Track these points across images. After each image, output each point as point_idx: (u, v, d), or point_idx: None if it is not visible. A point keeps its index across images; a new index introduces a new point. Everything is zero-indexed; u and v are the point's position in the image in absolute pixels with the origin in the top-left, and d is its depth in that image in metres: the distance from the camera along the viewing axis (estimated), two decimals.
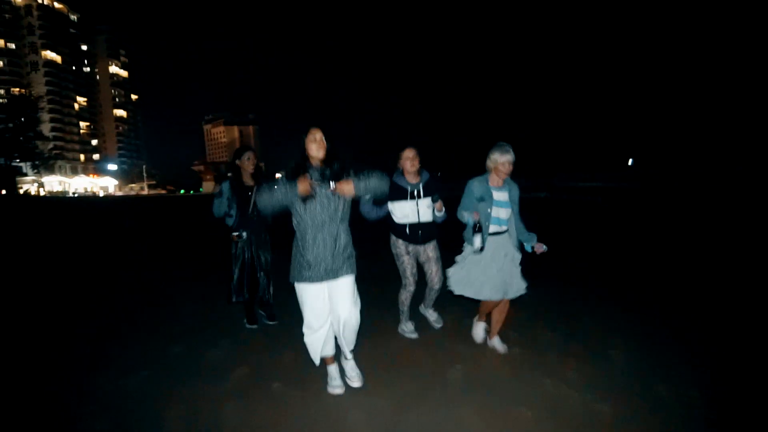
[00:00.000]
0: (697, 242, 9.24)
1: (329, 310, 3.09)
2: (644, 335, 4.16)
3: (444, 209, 3.89)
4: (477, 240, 3.43)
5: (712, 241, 9.34)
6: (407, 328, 4.25)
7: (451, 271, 3.76)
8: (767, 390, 3.14)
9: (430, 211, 3.88)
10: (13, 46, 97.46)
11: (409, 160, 3.83)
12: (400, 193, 3.84)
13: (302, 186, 2.83)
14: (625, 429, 2.73)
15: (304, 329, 3.11)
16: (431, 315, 4.39)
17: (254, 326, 4.53)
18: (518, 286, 3.66)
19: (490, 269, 3.57)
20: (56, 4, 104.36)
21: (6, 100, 75.89)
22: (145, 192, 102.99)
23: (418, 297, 4.32)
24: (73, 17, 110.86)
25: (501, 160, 3.50)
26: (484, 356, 3.76)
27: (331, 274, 3.00)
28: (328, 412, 2.97)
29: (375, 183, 2.95)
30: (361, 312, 3.18)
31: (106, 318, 4.94)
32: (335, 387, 3.21)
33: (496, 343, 3.84)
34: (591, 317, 4.71)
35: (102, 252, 9.99)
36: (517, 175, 3.66)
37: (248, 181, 4.33)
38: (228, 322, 4.69)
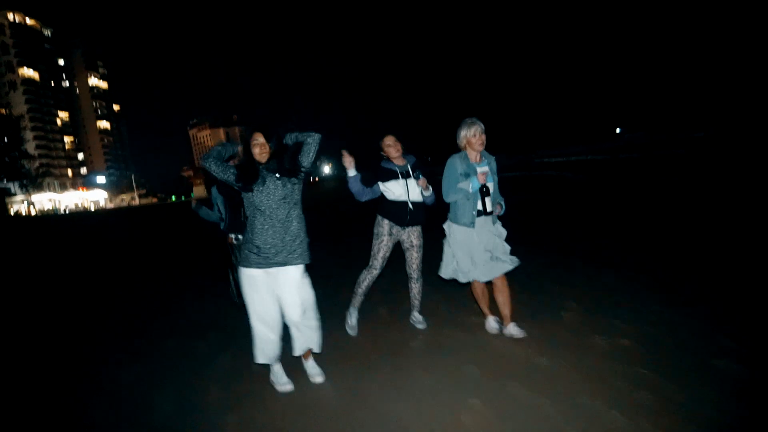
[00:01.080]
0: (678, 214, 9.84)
1: (274, 300, 3.05)
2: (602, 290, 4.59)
3: (431, 189, 3.88)
4: (488, 202, 3.47)
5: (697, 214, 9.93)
6: (350, 321, 4.17)
7: (447, 261, 3.82)
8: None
9: (419, 190, 3.90)
10: None
11: (391, 146, 3.88)
12: (390, 174, 3.88)
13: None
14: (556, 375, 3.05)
15: (253, 321, 3.05)
16: (415, 316, 4.23)
17: None
18: (510, 259, 3.61)
19: (478, 249, 3.56)
20: (28, 21, 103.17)
21: None
22: (136, 202, 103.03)
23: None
24: (47, 32, 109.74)
25: (470, 133, 3.52)
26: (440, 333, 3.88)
27: (281, 261, 2.97)
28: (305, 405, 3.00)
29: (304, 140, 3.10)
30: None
31: (106, 319, 5.58)
32: (284, 384, 3.18)
33: (512, 330, 3.66)
34: (551, 279, 5.08)
35: (97, 263, 10.61)
36: (495, 152, 3.69)
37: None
38: (220, 321, 4.91)
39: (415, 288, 4.12)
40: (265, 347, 3.09)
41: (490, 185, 3.55)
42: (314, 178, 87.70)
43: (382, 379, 3.26)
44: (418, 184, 3.85)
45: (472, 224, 3.56)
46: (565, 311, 4.17)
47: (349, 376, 3.31)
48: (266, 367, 3.32)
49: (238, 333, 4.20)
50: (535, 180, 22.18)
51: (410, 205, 3.87)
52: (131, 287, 7.53)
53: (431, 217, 4.08)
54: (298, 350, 3.20)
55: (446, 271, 3.85)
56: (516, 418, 2.61)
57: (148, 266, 9.84)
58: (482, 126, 3.53)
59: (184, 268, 9.03)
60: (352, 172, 3.85)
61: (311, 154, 3.10)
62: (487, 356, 3.45)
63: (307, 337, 3.16)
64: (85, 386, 3.73)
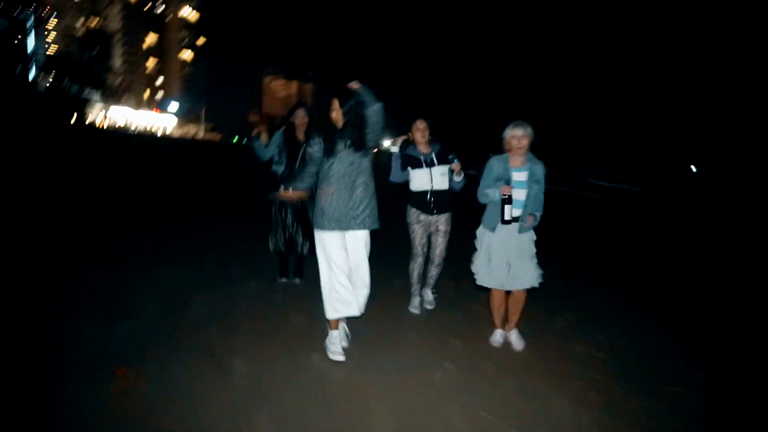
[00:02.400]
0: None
1: (345, 262, 3.15)
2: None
3: (462, 175, 3.91)
4: (507, 211, 3.33)
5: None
6: (414, 302, 4.26)
7: (474, 258, 3.68)
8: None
9: (445, 179, 3.94)
10: None
11: (419, 131, 3.94)
12: (414, 162, 3.94)
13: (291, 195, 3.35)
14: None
15: (324, 276, 3.17)
16: (427, 295, 4.33)
17: (283, 280, 4.72)
18: (529, 278, 3.49)
19: (499, 256, 3.47)
20: None
21: (83, 32, 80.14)
22: (201, 135, 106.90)
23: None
24: None
25: (511, 133, 3.39)
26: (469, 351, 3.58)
27: (343, 225, 3.07)
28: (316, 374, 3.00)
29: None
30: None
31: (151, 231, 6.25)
32: (335, 354, 3.15)
33: (514, 339, 3.62)
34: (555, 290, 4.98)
35: (147, 188, 11.50)
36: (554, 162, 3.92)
37: (300, 137, 4.45)
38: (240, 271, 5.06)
39: (434, 271, 4.20)
40: (336, 301, 3.13)
41: (521, 192, 3.40)
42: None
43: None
44: (444, 173, 3.92)
45: (493, 230, 3.49)
46: (560, 319, 4.40)
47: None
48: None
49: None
50: (576, 198, 21.72)
51: (431, 195, 3.93)
52: (167, 222, 8.19)
53: (465, 206, 4.17)
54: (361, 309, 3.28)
55: (474, 267, 3.69)
56: (480, 391, 2.93)
57: (193, 199, 10.55)
58: (527, 130, 3.37)
59: (226, 207, 9.64)
60: (396, 148, 4.01)
61: (376, 126, 3.10)
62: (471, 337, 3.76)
63: (360, 300, 3.23)
64: (133, 282, 4.32)
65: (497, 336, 3.70)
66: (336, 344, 3.17)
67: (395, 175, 4.00)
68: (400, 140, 4.02)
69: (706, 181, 34.70)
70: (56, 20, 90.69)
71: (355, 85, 3.06)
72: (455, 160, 3.88)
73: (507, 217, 3.33)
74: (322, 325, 3.44)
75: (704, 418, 2.87)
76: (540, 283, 3.55)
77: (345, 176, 3.05)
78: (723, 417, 2.93)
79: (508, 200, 3.31)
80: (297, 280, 4.71)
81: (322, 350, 3.19)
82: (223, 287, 4.43)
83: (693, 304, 5.46)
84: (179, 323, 3.53)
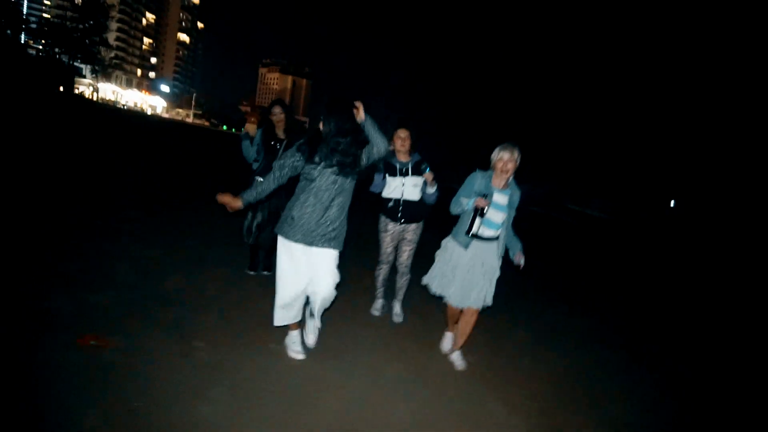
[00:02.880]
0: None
1: (302, 273, 3.03)
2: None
3: (436, 186, 3.88)
4: (476, 224, 3.25)
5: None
6: (375, 305, 4.35)
7: (432, 269, 3.59)
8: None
9: (417, 190, 3.93)
10: None
11: (400, 139, 3.92)
12: (389, 169, 3.93)
13: (228, 203, 2.97)
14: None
15: (278, 285, 3.07)
16: (395, 308, 4.31)
17: (252, 272, 4.75)
18: (486, 298, 3.43)
19: (462, 272, 3.39)
20: None
21: (80, 1, 78.92)
22: (190, 120, 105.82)
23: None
24: None
25: (498, 155, 3.29)
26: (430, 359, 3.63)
27: (308, 239, 2.94)
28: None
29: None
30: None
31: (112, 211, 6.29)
32: (295, 352, 3.18)
33: (455, 357, 3.58)
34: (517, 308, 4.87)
35: (131, 161, 11.46)
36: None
37: (280, 134, 4.48)
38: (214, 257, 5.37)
39: (400, 281, 4.19)
40: (284, 314, 3.10)
41: (498, 215, 3.33)
42: None
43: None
44: (417, 184, 3.91)
45: (466, 246, 3.37)
46: (516, 332, 4.60)
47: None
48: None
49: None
50: (550, 221, 22.13)
51: (402, 204, 3.93)
52: (145, 197, 8.24)
53: (438, 218, 4.21)
54: (317, 316, 3.21)
55: (428, 277, 3.63)
56: (423, 393, 3.12)
57: (172, 178, 10.57)
58: (514, 154, 3.27)
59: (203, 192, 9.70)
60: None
61: (371, 158, 2.98)
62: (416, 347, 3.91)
63: (316, 315, 3.19)
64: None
65: (447, 340, 3.74)
66: (296, 343, 3.20)
67: (377, 186, 3.98)
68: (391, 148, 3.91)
69: (679, 216, 35.87)
70: None
71: (360, 114, 2.85)
72: (427, 170, 3.83)
73: (475, 230, 3.26)
74: None
75: None
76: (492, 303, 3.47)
77: (324, 192, 2.93)
78: None
79: (481, 213, 3.22)
80: (265, 273, 4.76)
81: (281, 336, 3.31)
82: (197, 269, 4.52)
83: (645, 331, 5.73)
84: (152, 298, 3.61)
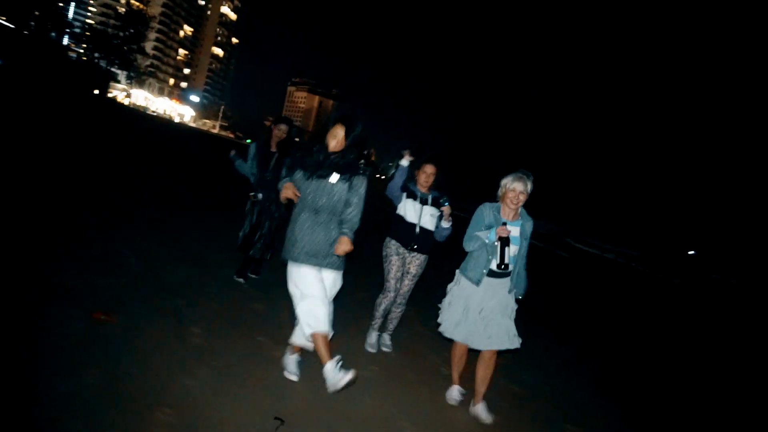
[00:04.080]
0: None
1: (323, 292, 2.92)
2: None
3: (451, 222, 3.85)
4: (507, 253, 3.08)
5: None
6: (369, 339, 4.09)
7: (443, 308, 3.45)
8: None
9: (433, 220, 3.87)
10: None
11: (425, 174, 3.87)
12: (410, 194, 3.89)
13: (286, 192, 2.88)
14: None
15: (297, 304, 2.92)
16: (384, 339, 4.19)
17: (240, 280, 4.81)
18: (508, 338, 3.22)
19: (474, 311, 3.22)
20: None
21: (124, 11, 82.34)
22: (216, 131, 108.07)
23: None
24: None
25: (511, 186, 3.14)
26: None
27: (314, 261, 2.89)
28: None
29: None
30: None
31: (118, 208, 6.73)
32: (290, 373, 3.13)
33: (480, 411, 3.28)
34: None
35: (151, 163, 12.01)
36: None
37: (273, 147, 4.68)
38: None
39: (395, 312, 4.09)
40: (312, 319, 2.84)
41: (510, 247, 3.14)
42: (382, 176, 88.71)
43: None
44: (434, 214, 3.86)
45: (477, 282, 3.20)
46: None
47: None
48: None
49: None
50: (556, 259, 22.19)
51: (418, 230, 3.84)
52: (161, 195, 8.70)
53: (445, 253, 4.16)
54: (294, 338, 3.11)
55: (442, 323, 3.45)
56: (398, 396, 3.39)
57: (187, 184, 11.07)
58: (527, 186, 3.13)
59: (227, 197, 10.14)
60: (406, 162, 3.83)
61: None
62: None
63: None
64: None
65: (454, 393, 3.45)
66: (292, 365, 3.15)
67: (394, 189, 3.87)
68: (407, 157, 3.83)
69: (695, 266, 35.66)
70: None
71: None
72: (446, 203, 3.77)
73: (507, 260, 3.08)
74: (276, 312, 3.91)
75: None
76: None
77: (322, 213, 2.90)
78: None
79: (506, 242, 3.07)
80: (253, 276, 4.96)
81: (269, 332, 3.63)
82: (200, 268, 4.89)
83: (628, 366, 5.92)
84: (155, 288, 3.97)
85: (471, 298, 3.23)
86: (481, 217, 3.22)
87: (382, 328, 4.16)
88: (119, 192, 7.71)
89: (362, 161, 2.97)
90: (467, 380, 3.49)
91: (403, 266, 3.93)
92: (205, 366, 2.96)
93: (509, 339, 3.21)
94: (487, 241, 3.14)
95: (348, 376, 2.68)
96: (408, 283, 3.98)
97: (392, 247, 3.92)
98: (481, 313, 3.20)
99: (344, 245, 2.83)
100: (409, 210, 3.86)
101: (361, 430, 2.83)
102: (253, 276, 5.00)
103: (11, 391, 2.23)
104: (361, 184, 2.94)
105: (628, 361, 6.53)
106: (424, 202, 3.86)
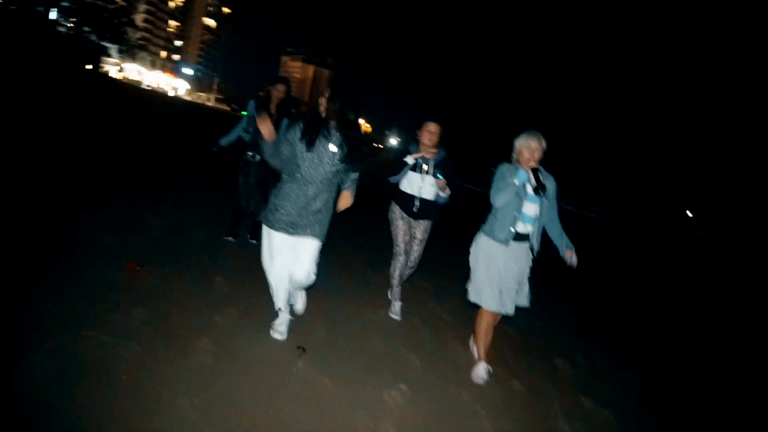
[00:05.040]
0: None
1: (282, 262, 2.97)
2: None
3: (448, 191, 3.83)
4: (534, 180, 3.04)
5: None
6: (393, 308, 4.13)
7: (474, 276, 3.34)
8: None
9: (434, 189, 3.83)
10: None
11: (429, 133, 3.77)
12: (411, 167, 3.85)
13: (265, 128, 2.79)
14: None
15: (264, 264, 3.04)
16: (394, 304, 4.16)
17: (230, 239, 4.90)
18: (526, 297, 3.34)
19: (509, 276, 3.20)
20: None
21: None
22: (211, 104, 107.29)
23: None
24: None
25: (526, 144, 3.09)
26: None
27: (292, 228, 2.88)
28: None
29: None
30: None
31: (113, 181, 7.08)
32: (276, 332, 3.11)
33: (481, 369, 3.31)
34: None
35: (147, 135, 12.27)
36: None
37: (273, 109, 4.51)
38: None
39: (404, 275, 4.10)
40: (274, 296, 3.09)
41: (533, 207, 3.16)
42: (380, 144, 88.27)
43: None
44: (434, 183, 3.81)
45: (506, 241, 3.15)
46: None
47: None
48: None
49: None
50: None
51: (417, 201, 3.85)
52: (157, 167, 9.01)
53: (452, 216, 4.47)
54: (280, 301, 3.15)
55: (473, 286, 3.35)
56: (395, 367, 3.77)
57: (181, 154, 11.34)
58: (541, 142, 3.09)
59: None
60: (411, 160, 3.81)
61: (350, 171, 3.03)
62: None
63: (298, 300, 3.35)
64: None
65: (481, 371, 3.30)
66: (280, 324, 3.15)
67: (396, 177, 3.89)
68: (416, 155, 3.81)
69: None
70: None
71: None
72: (439, 177, 3.76)
73: (543, 182, 3.04)
74: None
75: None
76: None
77: (310, 183, 2.88)
78: None
79: (536, 173, 3.05)
80: (254, 242, 4.86)
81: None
82: (214, 228, 5.26)
83: (615, 315, 6.36)
84: (178, 247, 4.38)
85: (501, 263, 3.18)
86: (503, 175, 3.14)
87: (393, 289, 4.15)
88: (132, 170, 8.03)
89: (361, 134, 2.96)
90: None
91: (409, 230, 4.00)
92: (232, 307, 3.38)
93: (526, 297, 3.37)
94: (517, 182, 3.05)
95: (276, 334, 3.11)
96: (416, 248, 4.02)
97: (396, 212, 3.97)
98: (514, 278, 3.21)
99: (346, 200, 3.01)
100: (411, 182, 3.86)
101: (373, 359, 3.26)
102: (252, 241, 4.93)
103: (74, 325, 2.64)
104: (362, 158, 2.93)
105: (616, 312, 7.00)
106: (424, 170, 3.83)
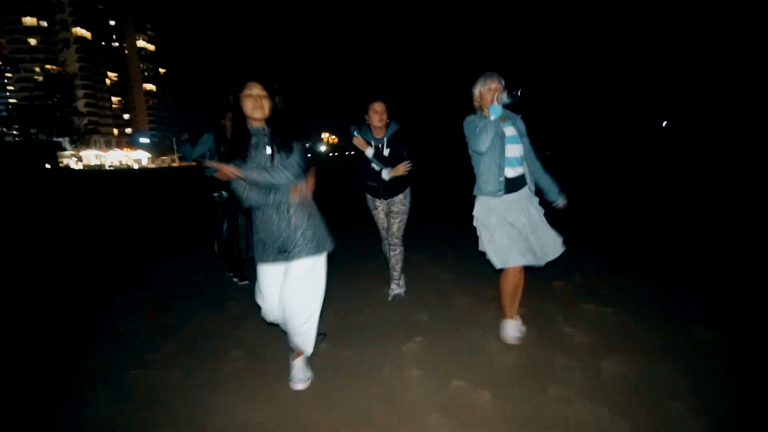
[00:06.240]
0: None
1: (275, 301, 2.68)
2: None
3: (408, 168, 3.76)
4: (511, 95, 2.82)
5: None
6: (391, 291, 4.18)
7: (484, 240, 3.17)
8: None
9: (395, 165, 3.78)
10: (45, 24, 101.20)
11: (377, 114, 3.64)
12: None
13: (223, 171, 2.44)
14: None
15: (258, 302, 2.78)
16: (394, 289, 4.19)
17: (245, 282, 4.75)
18: (554, 245, 3.11)
19: (512, 230, 3.03)
20: None
21: (42, 78, 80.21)
22: (176, 164, 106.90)
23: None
24: None
25: (485, 86, 2.99)
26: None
27: (283, 255, 2.57)
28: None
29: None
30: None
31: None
32: (294, 382, 2.75)
33: (510, 327, 3.25)
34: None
35: (135, 215, 12.52)
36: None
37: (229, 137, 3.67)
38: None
39: (394, 257, 4.06)
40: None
41: (516, 149, 3.07)
42: (351, 152, 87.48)
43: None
44: (398, 150, 3.76)
45: (499, 191, 3.04)
46: None
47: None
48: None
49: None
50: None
51: (382, 183, 3.84)
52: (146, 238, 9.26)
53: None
54: (289, 341, 2.79)
55: (496, 259, 3.12)
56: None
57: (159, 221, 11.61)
58: (501, 80, 2.98)
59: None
60: (370, 151, 3.75)
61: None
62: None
63: (297, 340, 2.72)
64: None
65: (510, 329, 3.25)
66: (296, 372, 2.79)
67: (369, 176, 3.89)
68: (361, 142, 3.77)
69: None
70: (11, 74, 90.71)
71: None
72: (389, 169, 3.74)
73: (514, 98, 2.82)
74: None
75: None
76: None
77: (277, 195, 2.56)
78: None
79: (509, 94, 2.85)
80: (240, 284, 4.75)
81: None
82: (216, 274, 5.44)
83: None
84: (186, 287, 4.74)
85: (503, 217, 3.06)
86: (473, 122, 3.03)
87: (390, 278, 4.21)
88: (127, 243, 8.32)
89: (293, 125, 2.64)
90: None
91: (387, 211, 4.00)
92: (250, 323, 3.69)
93: (557, 245, 3.13)
94: (492, 117, 2.86)
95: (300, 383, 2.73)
96: (396, 223, 3.96)
97: (369, 201, 4.04)
98: (523, 227, 3.07)
99: (296, 191, 2.58)
100: (369, 166, 3.86)
101: (385, 326, 3.60)
102: (241, 282, 4.77)
103: (120, 368, 2.97)
104: (296, 151, 2.56)
105: (601, 233, 7.36)
106: (380, 149, 3.77)
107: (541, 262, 3.09)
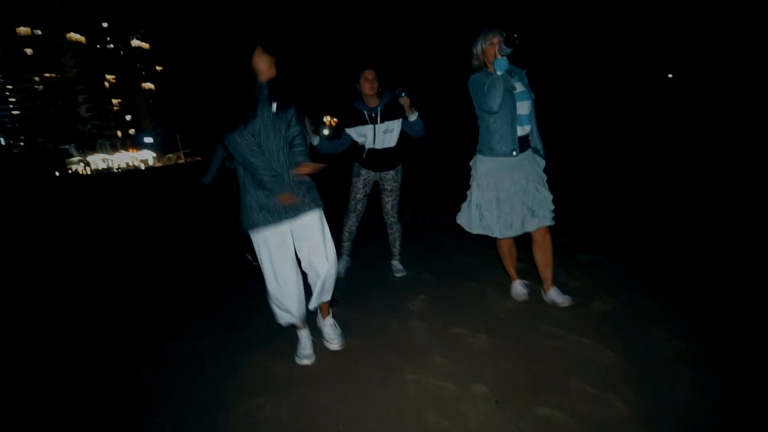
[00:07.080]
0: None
1: (294, 259, 2.64)
2: None
3: (416, 114, 3.54)
4: (510, 45, 2.61)
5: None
6: (340, 267, 4.02)
7: (463, 209, 3.19)
8: None
9: (390, 136, 3.65)
10: (39, 32, 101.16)
11: (368, 82, 3.52)
12: (358, 117, 3.64)
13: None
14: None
15: (268, 289, 2.66)
16: (395, 266, 4.18)
17: (249, 257, 4.96)
18: (548, 212, 2.97)
19: (507, 193, 2.95)
20: None
21: (42, 87, 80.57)
22: (183, 161, 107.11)
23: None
24: None
25: (488, 42, 2.83)
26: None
27: (290, 212, 2.53)
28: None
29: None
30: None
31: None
32: (303, 357, 2.76)
33: (555, 295, 3.13)
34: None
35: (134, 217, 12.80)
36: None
37: None
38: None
39: (392, 234, 4.05)
40: (282, 315, 2.75)
41: (525, 105, 2.92)
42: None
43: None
44: (387, 130, 3.65)
45: (513, 151, 2.91)
46: None
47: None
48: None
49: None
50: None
51: (371, 154, 3.73)
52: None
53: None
54: (314, 302, 2.77)
55: (467, 223, 3.16)
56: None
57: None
58: (502, 34, 2.80)
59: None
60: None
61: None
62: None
63: (328, 287, 2.74)
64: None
65: (518, 288, 3.35)
66: (302, 347, 2.82)
67: (330, 149, 3.72)
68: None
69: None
70: (11, 86, 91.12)
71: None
72: (403, 94, 3.42)
73: (513, 44, 2.60)
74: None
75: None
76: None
77: (278, 151, 2.50)
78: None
79: (508, 42, 2.63)
80: (255, 264, 4.48)
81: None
82: (231, 285, 5.55)
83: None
84: (207, 302, 4.37)
85: (503, 183, 2.97)
86: (480, 80, 2.89)
87: (390, 254, 4.22)
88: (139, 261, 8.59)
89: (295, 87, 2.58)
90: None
91: (371, 185, 3.92)
92: (259, 317, 3.61)
93: (550, 213, 2.99)
94: (499, 72, 2.72)
95: (301, 360, 2.78)
96: (390, 200, 3.90)
97: (356, 168, 3.88)
98: (516, 192, 2.96)
99: (305, 167, 2.54)
100: (362, 135, 3.70)
101: (390, 290, 3.87)
102: (255, 263, 4.33)
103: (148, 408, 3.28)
104: (293, 96, 2.56)
105: (591, 185, 7.51)
106: (374, 119, 3.63)
107: (536, 228, 3.00)
